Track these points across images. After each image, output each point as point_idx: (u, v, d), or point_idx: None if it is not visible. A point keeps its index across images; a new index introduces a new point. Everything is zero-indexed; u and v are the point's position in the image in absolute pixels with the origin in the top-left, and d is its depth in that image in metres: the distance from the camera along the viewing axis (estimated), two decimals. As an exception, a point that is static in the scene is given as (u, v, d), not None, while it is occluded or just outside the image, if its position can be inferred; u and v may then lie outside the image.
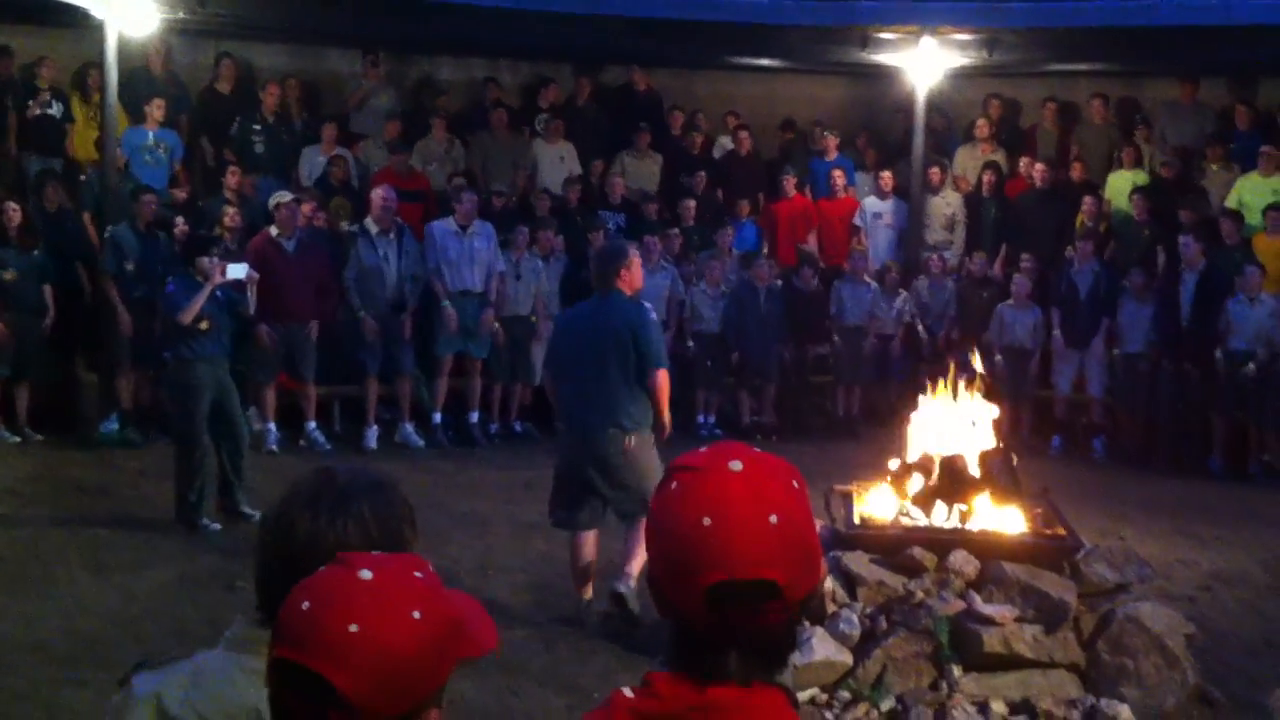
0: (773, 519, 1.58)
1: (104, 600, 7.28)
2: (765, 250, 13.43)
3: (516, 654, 6.65)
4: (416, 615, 1.60)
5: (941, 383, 7.20)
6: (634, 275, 7.02)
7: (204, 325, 8.58)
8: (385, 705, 1.58)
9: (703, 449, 1.68)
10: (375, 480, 2.21)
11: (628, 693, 1.65)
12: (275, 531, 2.14)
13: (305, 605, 1.60)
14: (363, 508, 2.13)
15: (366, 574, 1.62)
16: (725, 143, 14.80)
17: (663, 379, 6.97)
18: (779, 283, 12.81)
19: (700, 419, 12.61)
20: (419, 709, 1.63)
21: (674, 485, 1.64)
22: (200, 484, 8.60)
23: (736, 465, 1.62)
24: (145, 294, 10.68)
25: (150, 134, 12.43)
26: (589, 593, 7.16)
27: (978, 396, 7.09)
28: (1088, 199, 13.25)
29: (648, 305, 7.12)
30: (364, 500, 2.14)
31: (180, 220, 11.28)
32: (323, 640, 1.56)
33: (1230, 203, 12.82)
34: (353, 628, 1.56)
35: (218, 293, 8.74)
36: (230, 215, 11.37)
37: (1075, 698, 6.09)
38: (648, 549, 1.67)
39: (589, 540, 7.15)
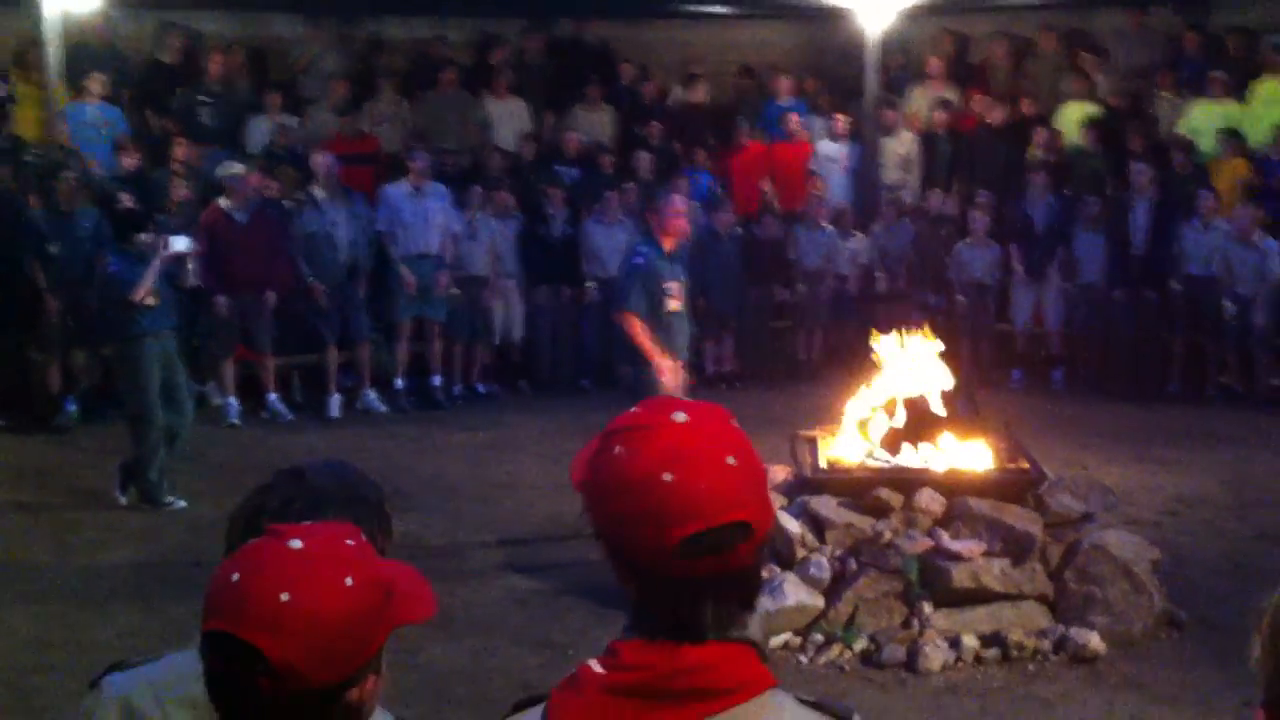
0: (731, 460, 1.58)
1: (70, 581, 7.23)
2: (726, 200, 13.34)
3: (489, 613, 6.67)
4: (349, 582, 1.59)
5: (900, 325, 7.24)
6: (663, 220, 7.41)
7: (151, 301, 8.49)
8: (320, 672, 1.58)
9: (632, 410, 1.66)
10: (348, 487, 2.18)
11: (596, 667, 1.62)
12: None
13: (235, 577, 1.59)
14: (334, 517, 2.10)
15: (296, 543, 1.61)
16: (680, 92, 14.71)
17: (623, 321, 7.39)
18: (739, 230, 12.77)
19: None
20: (356, 675, 1.63)
21: (618, 449, 1.60)
22: (160, 462, 8.53)
23: (681, 416, 1.61)
24: (79, 274, 10.43)
25: (92, 109, 12.24)
26: None
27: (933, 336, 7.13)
28: (1039, 130, 13.26)
29: (637, 249, 7.48)
30: (333, 512, 2.11)
31: (126, 196, 11.11)
32: (254, 610, 1.55)
33: (1181, 129, 12.86)
34: (284, 596, 1.55)
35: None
36: (178, 189, 11.23)
37: (1045, 628, 6.17)
38: (597, 519, 1.63)
39: None
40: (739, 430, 1.64)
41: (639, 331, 7.43)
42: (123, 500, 8.58)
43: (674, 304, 7.43)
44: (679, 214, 7.44)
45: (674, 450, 1.57)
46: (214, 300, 10.48)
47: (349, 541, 1.66)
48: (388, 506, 2.23)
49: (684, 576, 1.57)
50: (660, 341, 7.40)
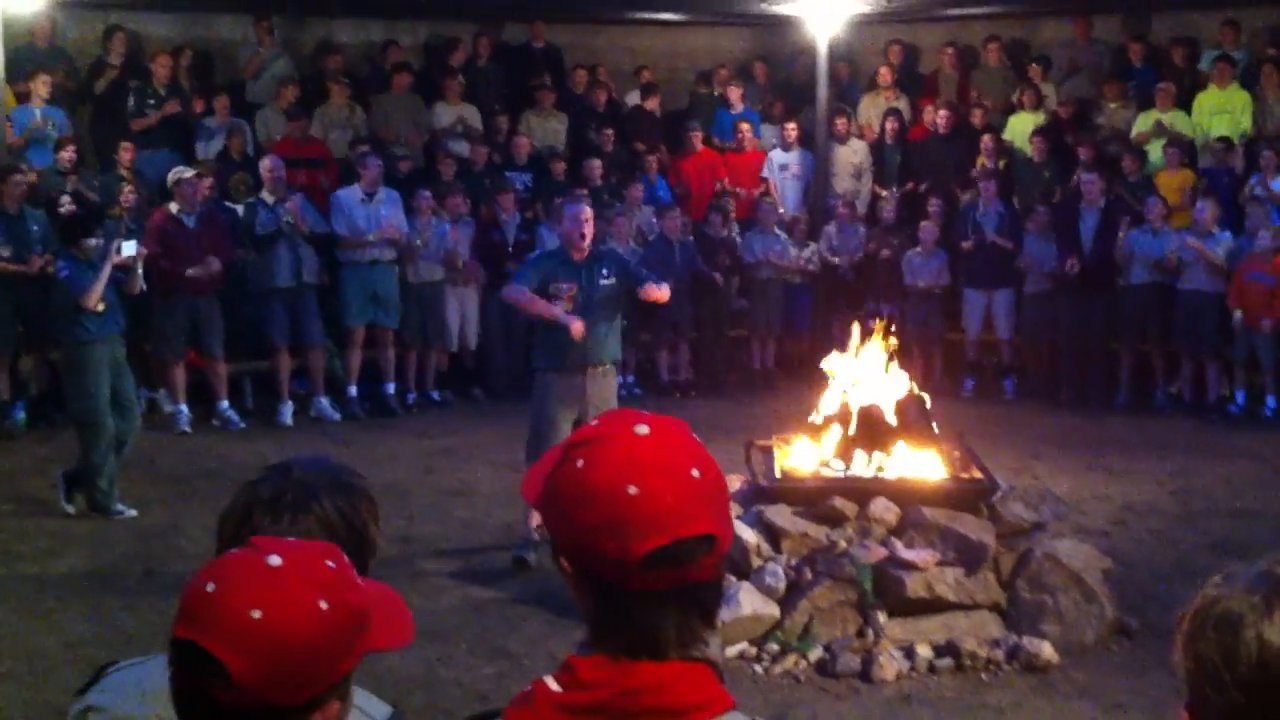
0: (695, 473, 1.57)
1: (18, 590, 7.14)
2: (676, 205, 13.34)
3: (444, 622, 6.64)
4: (323, 605, 1.58)
5: (854, 333, 7.28)
6: (562, 229, 7.75)
7: (100, 306, 8.40)
8: (281, 694, 1.57)
9: (592, 422, 1.66)
10: (336, 475, 2.17)
11: (551, 684, 1.61)
12: (236, 532, 2.08)
13: (210, 587, 1.58)
14: (325, 506, 2.09)
15: (275, 560, 1.60)
16: (635, 97, 14.71)
17: (508, 297, 7.75)
18: (691, 238, 12.79)
19: (619, 379, 12.56)
20: (318, 700, 1.62)
21: (580, 462, 1.59)
22: (110, 470, 8.43)
23: (642, 429, 1.60)
24: (27, 277, 10.30)
25: (37, 111, 12.09)
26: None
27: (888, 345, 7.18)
28: (986, 138, 13.38)
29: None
30: (326, 498, 2.10)
31: (67, 199, 11.00)
32: (223, 623, 1.55)
33: (1134, 133, 13.03)
34: (255, 613, 1.54)
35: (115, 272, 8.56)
36: (125, 193, 11.12)
37: (998, 637, 6.21)
38: (557, 533, 1.62)
39: None
40: (699, 442, 1.63)
41: (528, 300, 7.38)
42: (70, 509, 8.47)
43: (564, 304, 7.31)
44: (575, 221, 7.42)
45: (637, 462, 1.56)
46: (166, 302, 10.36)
47: (329, 563, 1.64)
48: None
49: (646, 590, 1.57)
50: (557, 344, 7.37)
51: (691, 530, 1.55)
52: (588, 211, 7.54)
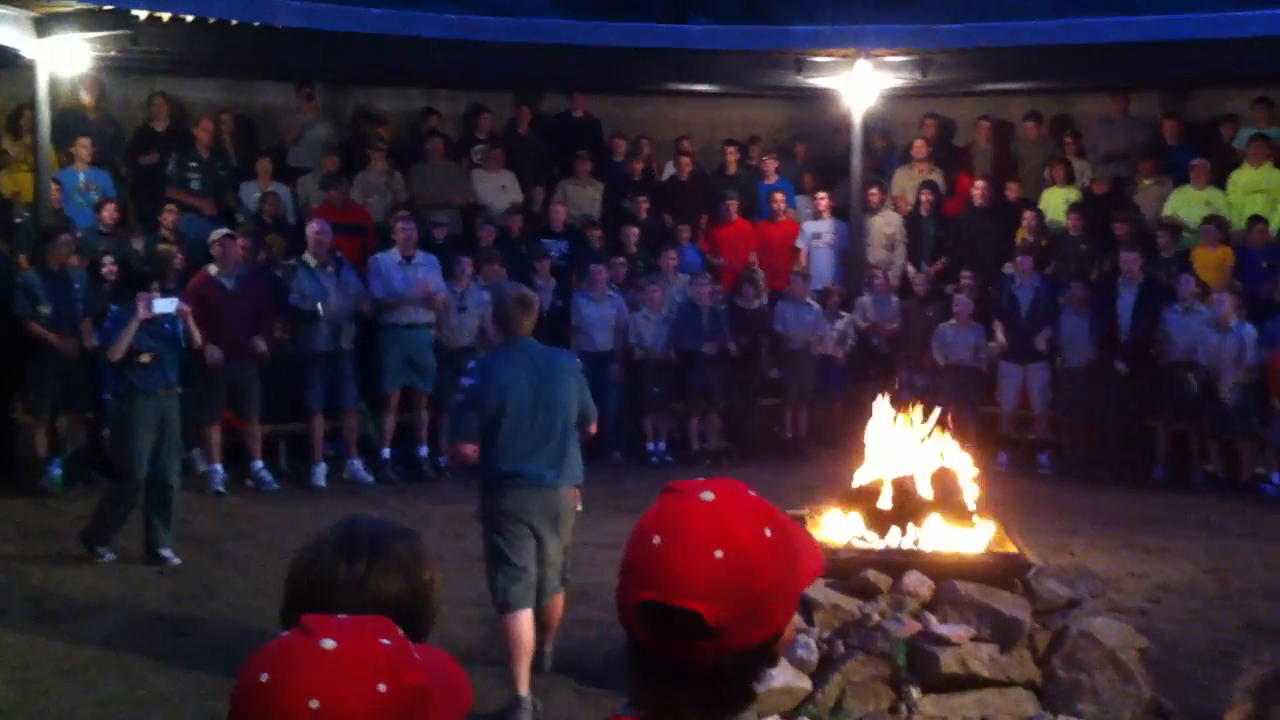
0: (718, 554, 1.57)
1: (50, 648, 7.15)
2: (707, 273, 13.40)
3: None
4: (381, 688, 1.51)
5: (888, 404, 7.26)
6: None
7: (144, 359, 8.49)
8: None
9: (702, 477, 1.70)
10: (399, 526, 2.20)
11: None
12: (308, 582, 2.09)
13: (264, 677, 1.50)
14: (399, 552, 2.13)
15: (329, 643, 1.53)
16: (671, 168, 14.83)
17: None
18: (723, 306, 12.83)
19: (650, 446, 12.59)
20: None
21: (655, 504, 1.67)
22: (119, 516, 8.57)
23: (708, 495, 1.63)
24: (70, 334, 10.47)
25: (81, 175, 12.29)
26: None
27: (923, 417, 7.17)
28: (1028, 214, 13.40)
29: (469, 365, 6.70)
30: (396, 545, 2.14)
31: (109, 260, 11.13)
32: (282, 716, 1.47)
33: (1166, 213, 13.03)
34: (313, 703, 1.47)
35: (166, 326, 8.66)
36: (178, 259, 11.26)
37: (1033, 715, 6.13)
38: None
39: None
40: (763, 536, 1.61)
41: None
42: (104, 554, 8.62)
43: None
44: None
45: (674, 519, 1.61)
46: (206, 350, 10.45)
47: (385, 640, 1.57)
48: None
49: (643, 644, 1.60)
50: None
51: (681, 601, 1.56)
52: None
